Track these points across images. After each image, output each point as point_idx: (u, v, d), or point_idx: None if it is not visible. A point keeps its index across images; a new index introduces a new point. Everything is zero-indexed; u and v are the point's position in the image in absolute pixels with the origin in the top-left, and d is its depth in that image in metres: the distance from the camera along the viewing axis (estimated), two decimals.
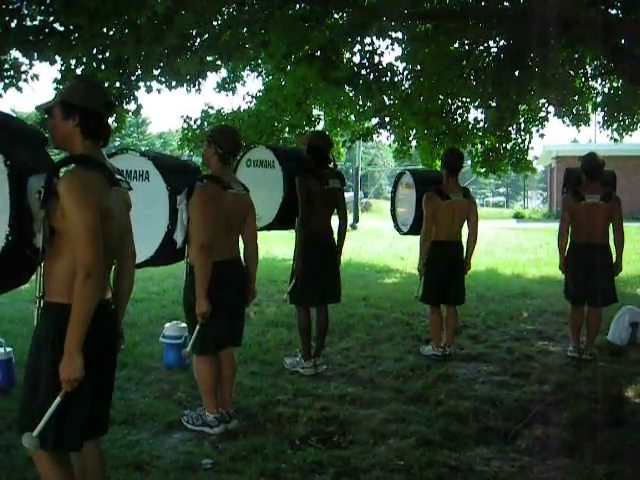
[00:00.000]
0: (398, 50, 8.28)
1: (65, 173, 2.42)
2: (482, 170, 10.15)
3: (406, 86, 8.67)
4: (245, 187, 4.10)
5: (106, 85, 6.52)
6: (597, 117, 10.35)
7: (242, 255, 4.18)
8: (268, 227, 5.23)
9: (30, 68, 6.10)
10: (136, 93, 6.97)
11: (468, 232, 5.81)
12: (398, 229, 6.63)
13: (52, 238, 2.45)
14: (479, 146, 9.87)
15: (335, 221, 5.41)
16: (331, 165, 5.35)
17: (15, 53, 6.01)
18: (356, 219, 25.87)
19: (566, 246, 5.74)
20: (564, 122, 9.56)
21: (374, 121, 9.52)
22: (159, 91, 7.24)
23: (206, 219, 3.79)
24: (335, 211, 5.41)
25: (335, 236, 5.37)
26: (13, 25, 5.48)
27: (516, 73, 7.93)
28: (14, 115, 3.02)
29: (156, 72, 6.70)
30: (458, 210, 5.71)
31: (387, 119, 9.20)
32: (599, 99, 9.80)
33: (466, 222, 5.80)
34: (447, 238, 5.70)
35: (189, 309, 3.96)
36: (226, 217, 3.90)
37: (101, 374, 2.59)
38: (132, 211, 2.83)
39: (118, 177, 2.64)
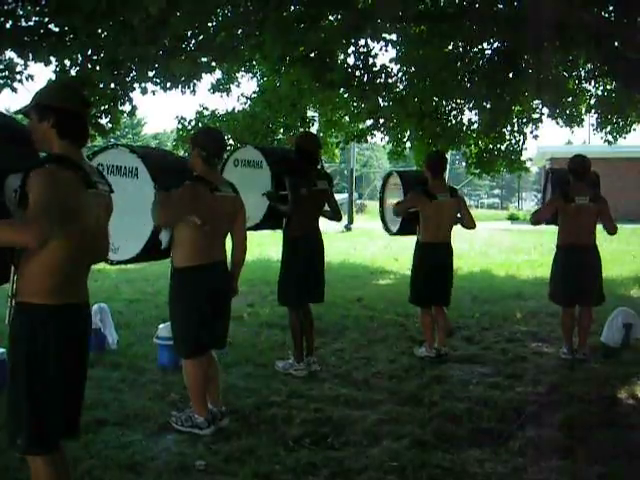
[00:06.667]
0: (392, 52, 8.35)
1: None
2: (476, 171, 10.20)
3: (400, 88, 8.70)
4: (235, 189, 4.07)
5: (101, 86, 6.51)
6: (591, 119, 10.41)
7: (228, 257, 4.14)
8: (256, 227, 5.24)
9: (25, 69, 6.09)
10: (131, 94, 6.96)
11: (465, 223, 5.85)
12: (387, 229, 6.63)
13: None
14: (473, 147, 9.90)
15: (323, 222, 5.43)
16: (319, 167, 5.38)
17: (10, 54, 6.01)
18: (350, 220, 25.88)
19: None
20: (558, 123, 9.60)
21: (368, 122, 9.55)
22: (154, 92, 7.22)
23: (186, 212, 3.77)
24: (325, 209, 5.42)
25: (323, 237, 5.40)
26: (8, 26, 5.48)
27: (510, 75, 7.97)
28: (4, 114, 2.99)
29: (151, 73, 6.69)
30: (447, 210, 5.71)
31: (381, 120, 9.23)
32: (592, 101, 9.84)
33: (459, 220, 5.84)
34: (435, 240, 5.70)
35: (172, 312, 3.99)
36: (212, 220, 3.84)
37: (73, 376, 2.58)
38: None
39: (96, 179, 2.61)
